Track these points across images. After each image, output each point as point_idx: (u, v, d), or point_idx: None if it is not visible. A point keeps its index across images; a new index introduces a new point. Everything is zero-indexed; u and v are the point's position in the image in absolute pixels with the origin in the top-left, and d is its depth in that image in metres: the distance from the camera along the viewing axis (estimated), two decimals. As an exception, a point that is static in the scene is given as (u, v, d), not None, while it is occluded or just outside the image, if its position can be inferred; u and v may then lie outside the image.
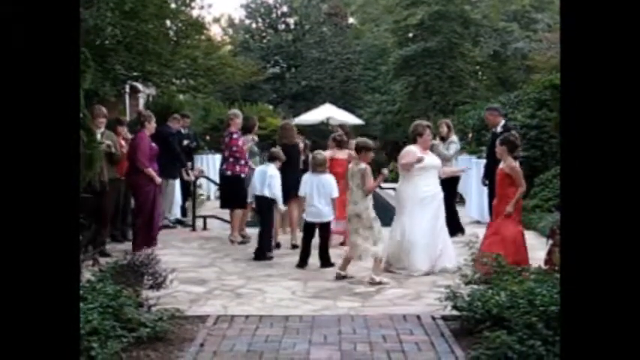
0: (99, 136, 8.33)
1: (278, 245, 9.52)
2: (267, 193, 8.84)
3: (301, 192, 8.47)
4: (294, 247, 9.40)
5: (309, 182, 8.40)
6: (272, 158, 9.10)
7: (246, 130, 10.40)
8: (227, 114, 10.56)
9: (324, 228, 8.38)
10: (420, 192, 7.98)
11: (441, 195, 8.21)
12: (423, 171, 8.05)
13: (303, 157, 10.52)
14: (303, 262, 8.28)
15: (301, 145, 10.70)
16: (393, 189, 8.69)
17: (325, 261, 8.27)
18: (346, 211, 7.79)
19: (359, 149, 7.76)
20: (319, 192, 8.30)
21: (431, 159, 8.26)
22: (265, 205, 8.93)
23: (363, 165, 7.62)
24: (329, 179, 8.39)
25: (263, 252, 8.78)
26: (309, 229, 8.41)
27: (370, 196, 7.61)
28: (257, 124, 10.90)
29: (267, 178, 8.86)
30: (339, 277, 7.58)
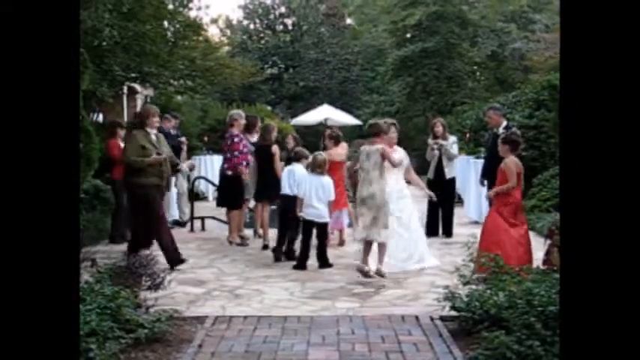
0: (153, 138, 8.23)
1: (266, 247, 9.53)
2: (296, 192, 8.76)
3: (300, 192, 8.44)
4: (265, 247, 9.47)
5: (308, 182, 8.37)
6: (298, 158, 9.10)
7: (247, 128, 10.38)
8: (230, 114, 10.43)
9: (322, 229, 8.37)
10: (389, 189, 7.95)
11: (407, 192, 8.35)
12: (392, 168, 8.04)
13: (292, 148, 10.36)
14: (301, 264, 8.26)
15: (291, 143, 10.59)
16: None
17: (324, 262, 8.26)
18: (358, 193, 7.68)
19: (375, 133, 7.73)
20: (318, 193, 8.28)
21: (399, 156, 8.32)
22: (291, 204, 8.82)
23: (381, 145, 7.62)
24: (328, 181, 8.37)
25: (290, 250, 8.81)
26: (307, 228, 8.39)
27: (385, 179, 7.61)
28: (259, 123, 10.83)
29: (296, 178, 8.73)
30: (364, 273, 7.40)
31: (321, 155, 8.62)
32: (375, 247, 7.65)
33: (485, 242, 7.05)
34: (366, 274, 7.47)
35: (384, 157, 7.60)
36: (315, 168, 8.43)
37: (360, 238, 7.64)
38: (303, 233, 8.41)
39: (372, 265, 7.59)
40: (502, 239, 6.99)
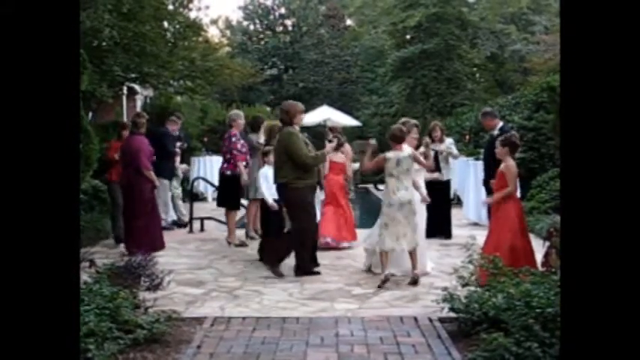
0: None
1: None
2: (258, 195, 8.68)
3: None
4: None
5: None
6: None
7: (253, 129, 10.41)
8: (229, 115, 10.44)
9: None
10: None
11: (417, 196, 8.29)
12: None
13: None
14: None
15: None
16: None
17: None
18: (394, 199, 7.46)
19: (399, 139, 7.62)
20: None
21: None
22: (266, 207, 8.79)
23: (409, 150, 7.64)
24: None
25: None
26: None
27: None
28: (264, 124, 10.83)
29: (269, 180, 8.59)
30: (416, 282, 7.36)
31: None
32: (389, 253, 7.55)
33: (493, 241, 7.00)
34: (386, 281, 7.35)
35: (416, 161, 7.63)
36: None
37: (389, 249, 7.44)
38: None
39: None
40: (515, 251, 6.95)
